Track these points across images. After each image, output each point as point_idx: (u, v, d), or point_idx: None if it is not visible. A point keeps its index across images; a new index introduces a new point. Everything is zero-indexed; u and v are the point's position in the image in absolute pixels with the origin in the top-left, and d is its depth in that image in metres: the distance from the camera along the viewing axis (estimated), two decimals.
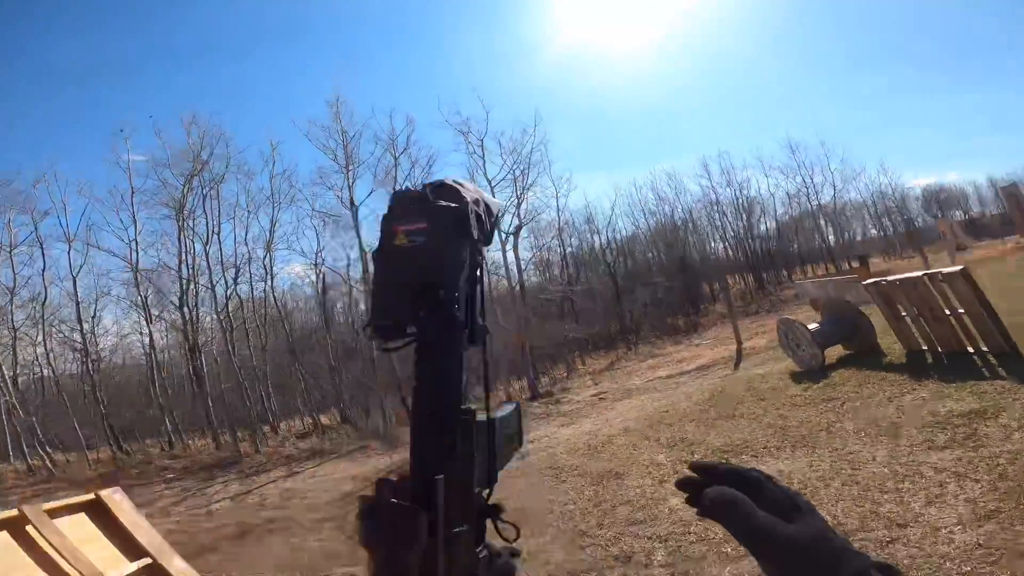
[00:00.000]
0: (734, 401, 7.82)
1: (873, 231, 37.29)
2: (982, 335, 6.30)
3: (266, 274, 21.83)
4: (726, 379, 9.91)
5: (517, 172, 24.89)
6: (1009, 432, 4.19)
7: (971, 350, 6.44)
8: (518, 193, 25.09)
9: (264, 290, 22.07)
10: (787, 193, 34.49)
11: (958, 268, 6.54)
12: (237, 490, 10.63)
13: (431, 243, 0.52)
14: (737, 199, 32.40)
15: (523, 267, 24.60)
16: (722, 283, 25.78)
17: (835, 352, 8.29)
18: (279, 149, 22.38)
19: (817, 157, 36.67)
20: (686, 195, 34.26)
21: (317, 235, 22.54)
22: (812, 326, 8.31)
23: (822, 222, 34.22)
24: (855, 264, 24.16)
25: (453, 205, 0.54)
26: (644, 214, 32.76)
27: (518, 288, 21.91)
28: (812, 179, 34.41)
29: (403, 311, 0.52)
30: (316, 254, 22.37)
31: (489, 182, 25.04)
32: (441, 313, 0.52)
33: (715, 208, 32.59)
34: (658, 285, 24.48)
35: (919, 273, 7.08)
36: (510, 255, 23.53)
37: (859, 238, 36.03)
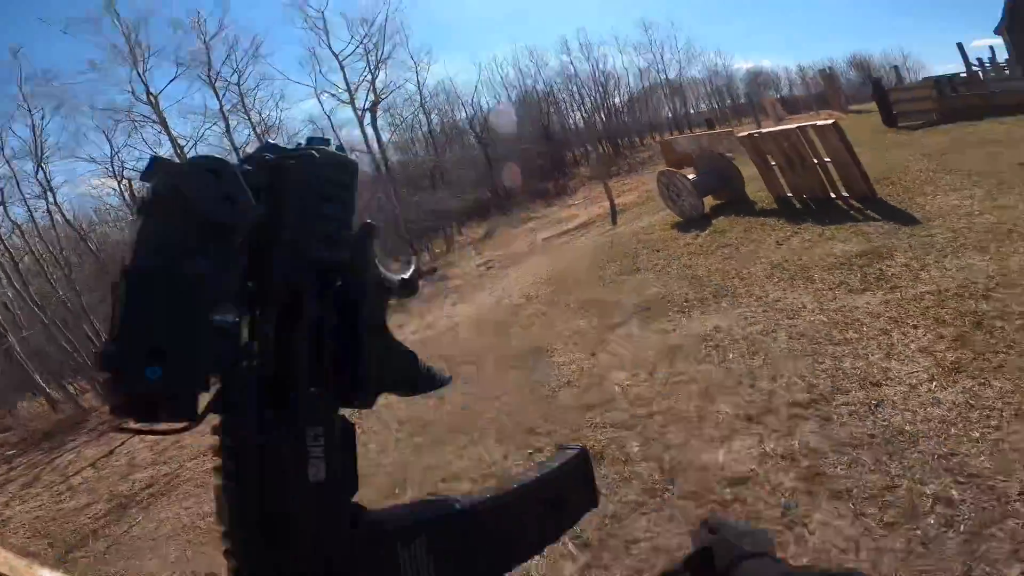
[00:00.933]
0: (630, 255, 7.63)
1: (703, 106, 40.05)
2: (846, 183, 6.63)
3: (44, 191, 17.22)
4: (611, 235, 9.81)
5: (370, 45, 21.70)
6: (915, 272, 4.34)
7: (833, 196, 6.85)
8: (371, 67, 22.08)
9: (47, 209, 17.43)
10: (639, 68, 35.68)
11: (830, 122, 6.67)
12: (95, 454, 8.37)
13: None
14: (594, 73, 32.68)
15: (384, 146, 22.45)
16: (584, 150, 26.29)
17: (707, 202, 8.46)
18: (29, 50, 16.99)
19: (667, 36, 38.26)
20: (547, 70, 33.51)
21: (108, 138, 18.55)
22: (691, 176, 8.29)
23: (667, 95, 36.12)
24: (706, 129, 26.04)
25: None
26: (506, 88, 31.88)
27: (383, 165, 19.81)
28: (662, 56, 35.82)
29: None
30: (111, 159, 18.70)
31: (337, 57, 21.33)
32: None
33: (574, 82, 32.74)
34: (526, 154, 23.69)
35: (793, 126, 7.16)
36: (369, 131, 21.21)
37: (694, 111, 38.88)
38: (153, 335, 0.30)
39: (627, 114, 33.47)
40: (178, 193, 0.32)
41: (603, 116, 32.32)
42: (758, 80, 42.05)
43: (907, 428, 2.73)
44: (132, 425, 0.31)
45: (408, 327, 8.49)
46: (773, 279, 5.16)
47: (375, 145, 22.34)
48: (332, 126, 24.96)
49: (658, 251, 7.39)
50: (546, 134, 26.68)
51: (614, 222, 11.04)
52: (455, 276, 12.35)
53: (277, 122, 24.50)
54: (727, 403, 3.49)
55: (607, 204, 12.13)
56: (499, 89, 33.12)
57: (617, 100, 34.11)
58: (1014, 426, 2.52)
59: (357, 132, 22.74)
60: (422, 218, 17.91)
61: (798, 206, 7.04)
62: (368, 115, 22.71)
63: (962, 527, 2.10)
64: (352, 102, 23.06)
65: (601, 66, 34.06)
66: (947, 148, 7.93)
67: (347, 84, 23.17)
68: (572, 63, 33.28)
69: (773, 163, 7.34)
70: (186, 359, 0.30)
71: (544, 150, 25.24)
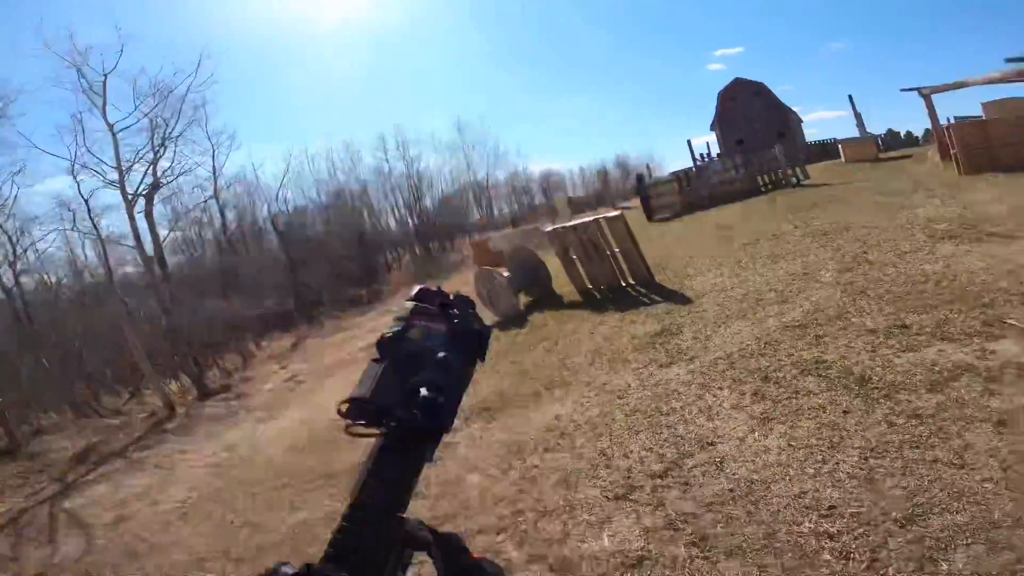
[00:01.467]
0: None
1: (505, 207, 43.30)
2: (632, 271, 7.78)
3: None
4: None
5: (159, 120, 18.80)
6: (702, 342, 5.06)
7: (624, 284, 7.91)
8: (155, 145, 19.13)
9: None
10: (450, 170, 37.48)
11: (616, 213, 7.83)
12: None
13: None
14: (409, 172, 33.27)
15: (161, 240, 19.01)
16: (396, 253, 26.10)
17: (521, 299, 8.98)
18: None
19: (478, 137, 40.65)
20: (362, 167, 33.06)
21: None
22: (506, 274, 8.76)
23: (476, 196, 38.39)
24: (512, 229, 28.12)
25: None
26: (317, 184, 30.35)
27: (158, 263, 16.51)
28: (471, 157, 37.96)
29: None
30: None
31: (111, 128, 18.03)
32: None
33: (388, 180, 32.75)
34: (336, 257, 22.36)
35: (590, 218, 8.21)
36: (141, 222, 17.87)
37: (497, 213, 41.40)
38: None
39: (441, 215, 34.70)
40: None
41: (416, 217, 33.08)
42: (550, 181, 48.39)
43: (755, 477, 2.96)
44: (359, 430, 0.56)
45: (205, 449, 6.83)
46: (595, 365, 5.50)
47: (148, 238, 18.87)
48: (89, 212, 20.37)
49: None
50: (360, 237, 26.01)
51: None
52: (257, 393, 10.60)
53: (11, 199, 19.18)
54: (591, 487, 3.41)
55: None
56: (308, 185, 31.33)
57: (430, 201, 35.37)
58: (836, 456, 2.92)
59: (123, 220, 18.86)
60: (210, 330, 15.22)
61: (598, 296, 7.90)
62: (141, 202, 19.12)
63: (858, 555, 2.26)
64: (122, 184, 19.11)
65: (416, 165, 34.68)
66: (694, 235, 9.95)
67: (118, 162, 19.22)
68: (388, 161, 33.14)
69: (574, 256, 8.23)
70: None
71: (356, 254, 24.41)
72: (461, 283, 16.01)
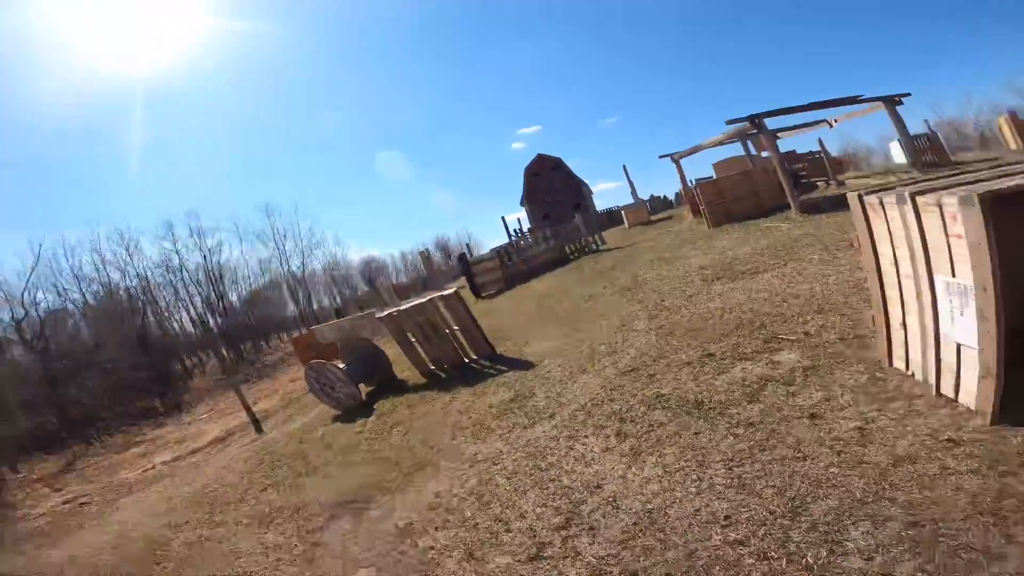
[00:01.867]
0: (299, 456, 6.58)
1: (325, 300, 39.04)
2: (473, 346, 7.89)
3: None
4: (261, 442, 8.15)
5: None
6: (555, 400, 5.30)
7: (466, 360, 7.95)
8: None
9: None
10: (259, 260, 33.06)
11: (451, 291, 7.96)
12: None
13: None
14: (207, 265, 28.10)
15: None
16: (198, 358, 21.60)
17: (362, 389, 8.32)
18: None
19: (290, 223, 36.45)
20: (143, 259, 27.46)
21: None
22: (341, 366, 8.07)
23: (291, 288, 33.54)
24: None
25: None
26: (79, 281, 23.86)
27: None
28: (284, 246, 33.66)
29: None
30: None
31: None
32: None
33: (180, 275, 27.33)
34: (113, 366, 17.48)
35: (427, 298, 8.16)
36: None
37: (317, 306, 36.84)
38: None
39: (249, 312, 30.04)
40: None
41: (219, 316, 28.01)
42: (371, 267, 45.88)
43: (650, 507, 3.12)
44: None
45: None
46: (458, 439, 5.32)
47: None
48: None
49: (329, 446, 6.64)
50: (142, 341, 21.11)
51: (259, 430, 9.35)
52: (26, 518, 7.46)
53: None
54: (500, 555, 3.18)
55: (243, 415, 10.22)
56: (67, 282, 24.67)
57: (236, 297, 30.45)
58: (707, 472, 3.25)
59: None
60: None
61: (443, 376, 7.76)
62: None
63: (774, 553, 2.50)
64: None
65: (216, 257, 30.05)
66: (522, 306, 10.58)
67: None
68: (178, 252, 28.22)
69: (413, 339, 8.03)
70: None
71: (141, 361, 19.71)
72: (286, 382, 14.18)
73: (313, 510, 4.89)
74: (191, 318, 28.97)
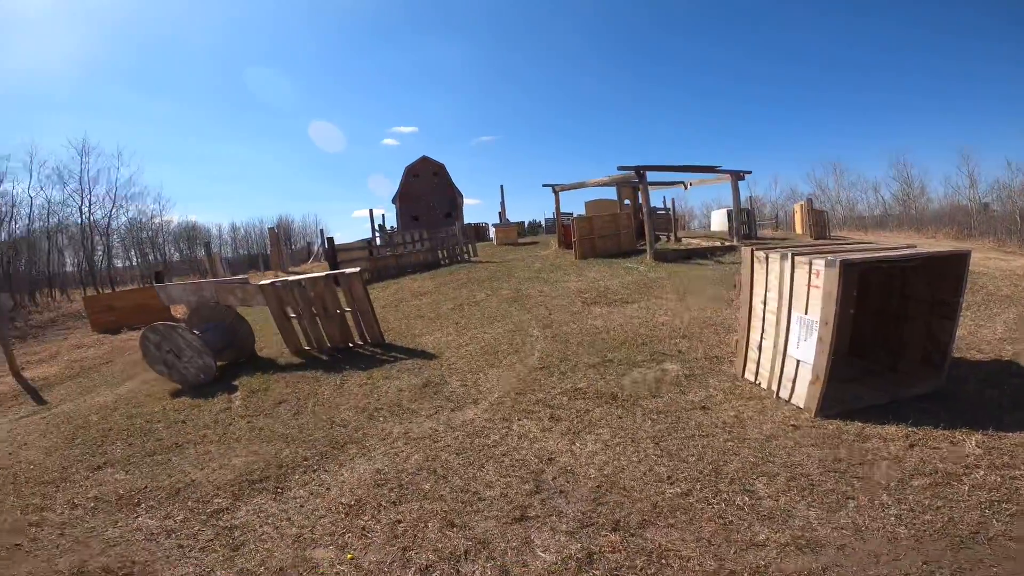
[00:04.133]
0: (137, 433, 5.49)
1: (121, 260, 33.15)
2: (364, 329, 7.75)
3: None
4: (56, 415, 6.48)
5: None
6: (471, 387, 5.81)
7: (350, 344, 7.77)
8: None
9: None
10: (48, 200, 27.37)
11: (356, 270, 7.67)
12: None
13: None
14: None
15: None
16: None
17: None
18: None
19: (107, 165, 29.53)
20: None
21: None
22: (196, 332, 7.11)
23: (82, 240, 27.00)
24: (152, 282, 20.69)
25: None
26: None
27: None
28: (91, 191, 27.86)
29: None
30: None
31: None
32: None
33: None
34: None
35: (321, 274, 7.69)
36: None
37: (121, 264, 30.99)
38: None
39: (14, 259, 22.67)
40: None
41: None
42: (191, 235, 38.83)
43: (606, 472, 3.84)
44: None
45: None
46: (377, 419, 5.28)
47: None
48: None
49: (184, 423, 5.79)
50: None
51: (40, 401, 7.41)
52: None
53: None
54: (483, 520, 3.49)
55: (8, 380, 7.88)
56: None
57: (4, 235, 22.74)
58: (640, 446, 4.13)
59: None
60: None
61: (324, 358, 7.45)
62: None
63: (742, 500, 3.38)
64: None
65: None
66: (398, 301, 10.49)
67: None
68: None
69: (292, 315, 7.55)
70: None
71: None
72: (69, 348, 11.28)
73: (204, 490, 4.29)
74: None
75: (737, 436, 4.26)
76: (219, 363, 7.47)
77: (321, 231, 36.01)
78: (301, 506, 3.95)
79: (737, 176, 16.09)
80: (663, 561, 2.94)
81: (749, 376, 5.38)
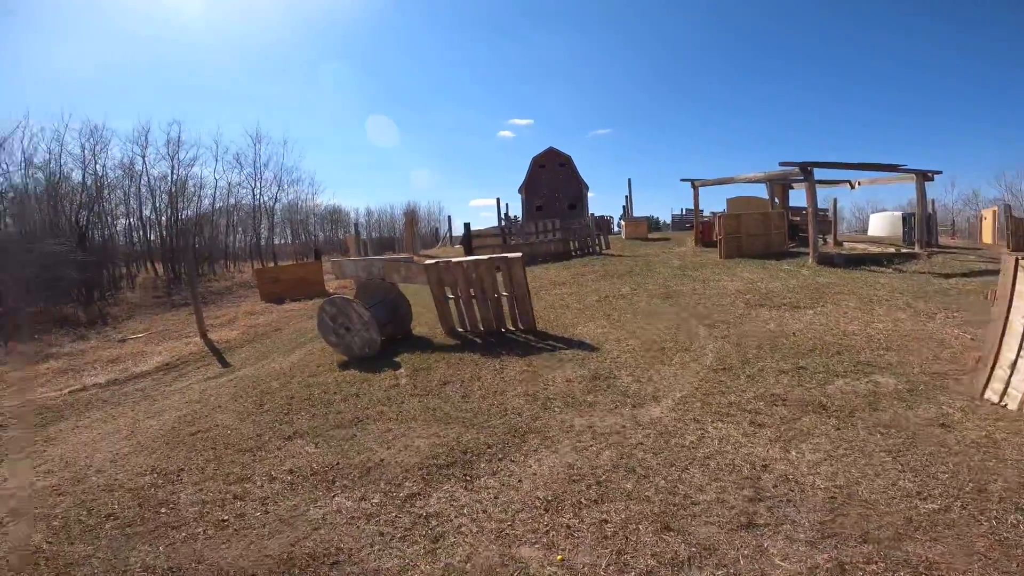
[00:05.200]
0: (319, 403, 5.87)
1: (277, 239, 37.54)
2: (521, 316, 7.76)
3: None
4: (241, 378, 7.31)
5: None
6: (644, 383, 5.56)
7: (504, 329, 7.85)
8: None
9: None
10: (229, 182, 32.28)
11: (518, 255, 7.72)
12: None
13: None
14: (174, 174, 26.14)
15: None
16: (128, 268, 18.86)
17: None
18: None
19: (274, 152, 35.90)
20: (107, 159, 27.71)
21: None
22: (368, 307, 7.57)
23: (253, 219, 31.86)
24: (311, 259, 23.92)
25: None
26: (25, 165, 21.34)
27: None
28: (261, 176, 32.61)
29: None
30: None
31: None
32: None
33: (140, 180, 25.12)
34: (52, 260, 14.01)
35: (484, 257, 7.81)
36: None
37: (278, 241, 35.79)
38: None
39: (203, 233, 27.22)
40: None
41: (165, 229, 25.20)
42: (334, 218, 44.11)
43: (838, 483, 3.44)
44: None
45: None
46: (552, 410, 5.14)
47: None
48: None
49: (358, 396, 6.09)
50: (81, 238, 17.58)
51: (224, 363, 8.40)
52: None
53: None
54: (703, 525, 3.26)
55: (193, 340, 9.06)
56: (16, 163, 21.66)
57: (191, 212, 27.33)
58: (874, 459, 3.67)
59: None
60: None
61: (478, 341, 7.59)
62: None
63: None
64: None
65: (187, 168, 29.67)
66: (538, 289, 10.47)
67: None
68: (144, 157, 25.92)
69: (451, 296, 7.77)
70: None
71: (76, 258, 16.41)
72: (242, 314, 12.73)
73: (393, 471, 4.31)
74: (132, 224, 25.93)
75: (994, 456, 3.67)
76: (381, 338, 7.89)
77: (448, 218, 38.46)
78: (495, 498, 3.82)
79: (924, 176, 14.24)
80: (934, 575, 2.57)
81: (991, 396, 4.62)
